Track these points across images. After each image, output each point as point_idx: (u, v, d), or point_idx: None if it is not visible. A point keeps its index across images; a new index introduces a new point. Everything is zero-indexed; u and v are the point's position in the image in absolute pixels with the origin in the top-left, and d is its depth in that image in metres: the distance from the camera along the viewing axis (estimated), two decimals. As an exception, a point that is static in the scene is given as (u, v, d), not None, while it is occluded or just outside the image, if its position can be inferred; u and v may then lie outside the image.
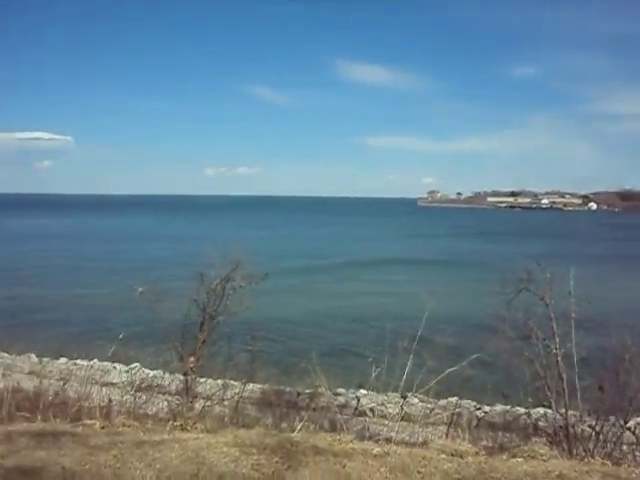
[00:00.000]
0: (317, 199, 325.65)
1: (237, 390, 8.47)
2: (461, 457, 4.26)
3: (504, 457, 4.40)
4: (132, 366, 13.45)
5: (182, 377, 6.63)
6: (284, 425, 7.10)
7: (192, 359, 6.13)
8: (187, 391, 6.25)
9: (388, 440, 5.54)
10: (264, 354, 8.51)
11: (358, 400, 12.11)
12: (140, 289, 6.25)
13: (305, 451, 3.91)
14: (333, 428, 6.78)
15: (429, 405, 10.62)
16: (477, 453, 4.52)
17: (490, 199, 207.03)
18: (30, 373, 12.82)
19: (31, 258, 39.84)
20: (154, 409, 7.69)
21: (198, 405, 6.73)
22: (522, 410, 10.08)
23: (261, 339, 8.39)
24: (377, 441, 5.13)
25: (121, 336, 7.53)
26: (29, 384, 9.63)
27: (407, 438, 6.60)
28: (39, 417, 5.65)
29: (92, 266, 36.80)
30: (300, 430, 5.52)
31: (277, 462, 3.74)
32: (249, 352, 7.84)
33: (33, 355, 14.65)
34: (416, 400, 10.75)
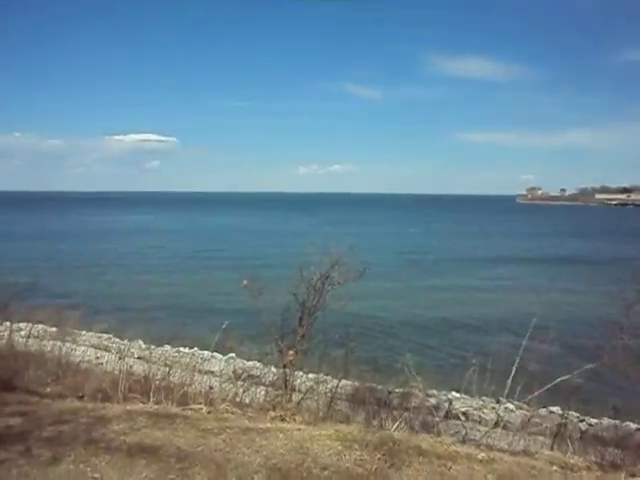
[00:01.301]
0: (411, 196, 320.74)
1: (331, 385, 8.58)
2: (572, 470, 4.02)
3: (621, 475, 4.09)
4: (229, 356, 14.08)
5: (280, 370, 6.80)
6: (375, 423, 7.09)
7: (291, 352, 6.28)
8: (286, 383, 6.40)
9: (489, 446, 5.35)
10: (358, 350, 8.52)
11: (450, 403, 11.81)
12: (244, 282, 6.49)
13: (407, 451, 3.86)
14: (426, 429, 6.65)
15: (527, 413, 10.14)
16: (589, 468, 4.24)
17: (598, 196, 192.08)
18: (139, 358, 13.83)
19: (141, 252, 42.99)
20: (249, 398, 7.99)
21: (295, 398, 6.87)
22: (634, 426, 9.33)
23: (356, 335, 8.40)
24: (478, 446, 4.97)
25: (224, 326, 7.86)
26: (139, 368, 10.38)
27: (505, 446, 6.33)
28: (152, 399, 6.07)
29: (199, 259, 38.98)
30: (396, 429, 5.47)
31: (379, 459, 3.73)
32: (344, 348, 7.90)
33: (141, 342, 15.75)
34: (512, 407, 10.31)
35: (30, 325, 11.30)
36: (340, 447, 3.91)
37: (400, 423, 6.27)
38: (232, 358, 14.19)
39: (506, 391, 5.93)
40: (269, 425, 4.55)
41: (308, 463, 3.63)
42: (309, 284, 6.34)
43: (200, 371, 9.62)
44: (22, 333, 10.21)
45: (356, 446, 3.92)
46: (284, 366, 6.49)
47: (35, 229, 64.57)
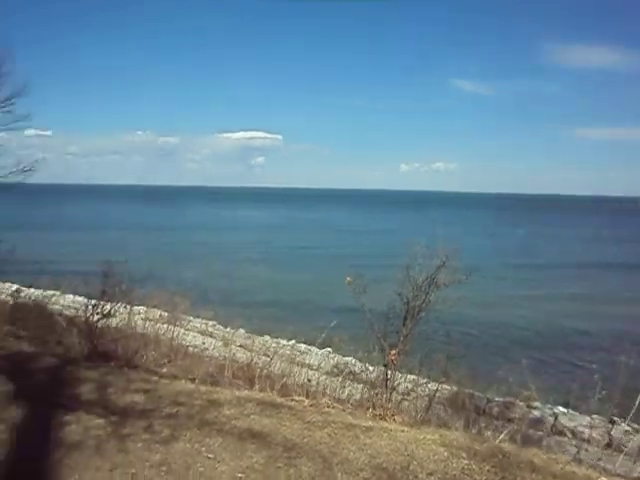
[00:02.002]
0: (524, 196, 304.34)
1: (430, 388, 8.39)
2: None
3: None
4: (326, 350, 14.27)
5: (381, 368, 6.75)
6: (474, 431, 6.83)
7: (393, 352, 6.20)
8: (386, 383, 6.34)
9: (606, 470, 4.94)
10: (459, 355, 8.26)
11: (556, 417, 11.07)
12: (348, 279, 6.52)
13: (519, 465, 3.66)
14: (532, 443, 6.29)
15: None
16: None
17: None
18: (240, 346, 14.47)
19: (246, 245, 45.02)
20: (345, 393, 8.03)
21: (394, 397, 6.80)
22: None
23: (458, 339, 8.16)
24: (594, 468, 4.60)
25: (332, 324, 7.96)
26: (242, 356, 10.84)
27: (621, 471, 5.81)
28: (256, 386, 6.30)
29: (301, 255, 40.12)
30: (501, 441, 5.22)
31: (489, 471, 3.58)
32: (445, 351, 7.70)
33: (243, 330, 16.44)
34: (628, 428, 9.45)
35: (146, 309, 12.19)
36: (446, 453, 3.80)
37: (504, 434, 5.99)
38: (329, 352, 14.35)
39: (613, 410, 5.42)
40: (372, 423, 4.54)
41: (414, 466, 3.57)
42: (414, 284, 6.23)
43: (298, 363, 9.85)
44: (139, 316, 11.05)
45: (463, 454, 3.79)
46: (385, 365, 6.45)
47: (154, 221, 70.09)
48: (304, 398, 5.69)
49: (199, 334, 16.39)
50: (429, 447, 3.89)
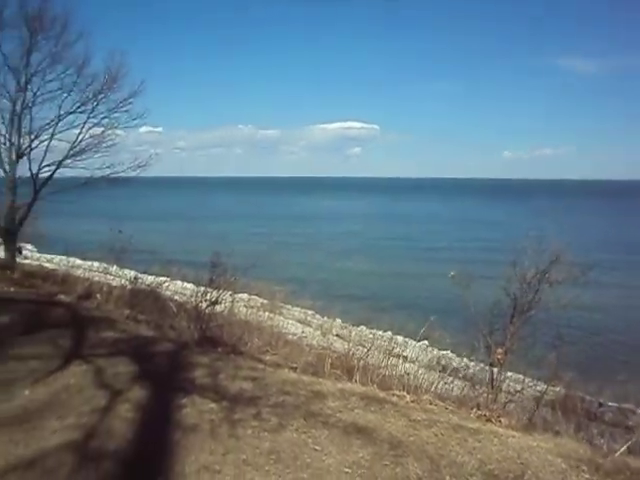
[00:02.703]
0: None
1: (538, 389, 7.96)
2: None
3: None
4: (423, 343, 14.01)
5: (486, 367, 6.50)
6: (585, 438, 6.36)
7: (500, 351, 5.94)
8: (492, 382, 6.09)
9: None
10: (569, 356, 7.72)
11: (684, 428, 10.02)
12: (452, 273, 6.32)
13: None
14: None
15: None
16: None
17: None
18: (337, 335, 14.63)
19: (343, 236, 45.47)
20: (444, 389, 7.82)
21: (500, 398, 6.52)
22: None
23: (570, 340, 7.62)
24: None
25: (432, 318, 7.79)
26: (339, 346, 10.93)
27: None
28: (356, 378, 6.30)
29: (397, 246, 39.84)
30: (622, 453, 4.79)
31: (615, 489, 3.29)
32: (554, 352, 7.23)
33: (339, 320, 16.59)
34: None
35: (247, 297, 12.67)
36: (564, 465, 3.55)
37: (625, 446, 5.51)
38: (426, 345, 14.09)
39: None
40: (479, 425, 4.35)
41: (528, 476, 3.37)
42: (523, 280, 5.91)
43: (395, 355, 9.74)
44: (241, 303, 11.50)
45: (584, 467, 3.52)
46: (491, 364, 6.20)
47: (254, 211, 73.02)
48: (405, 393, 5.60)
49: (297, 322, 16.81)
50: (544, 456, 3.66)
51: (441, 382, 7.85)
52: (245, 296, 12.39)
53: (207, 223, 52.64)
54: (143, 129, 19.92)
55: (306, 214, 71.17)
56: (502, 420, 5.20)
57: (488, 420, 5.07)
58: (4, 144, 15.10)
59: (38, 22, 14.95)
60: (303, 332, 15.88)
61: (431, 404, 5.33)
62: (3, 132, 15.08)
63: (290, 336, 12.66)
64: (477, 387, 7.07)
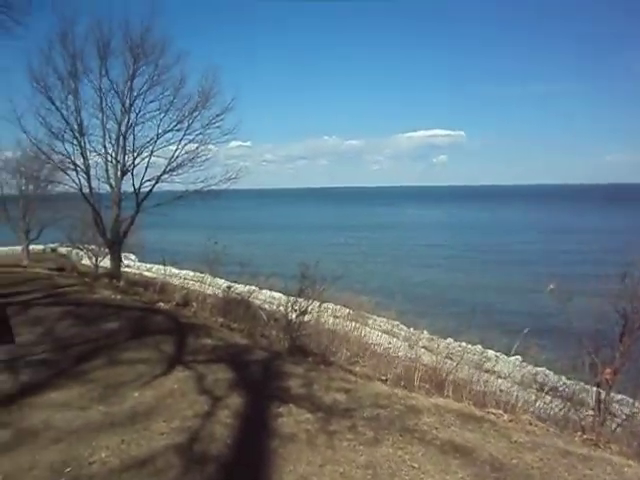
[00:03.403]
0: None
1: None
2: None
3: None
4: (515, 358, 13.35)
5: (592, 387, 6.06)
6: None
7: (609, 370, 5.51)
8: (599, 404, 5.67)
9: None
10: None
11: None
12: (551, 286, 5.97)
13: None
14: None
15: None
16: None
17: None
18: (423, 347, 14.31)
19: (430, 245, 44.72)
20: (542, 408, 7.38)
21: (608, 422, 6.05)
22: None
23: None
24: None
25: (526, 331, 7.41)
26: (426, 358, 10.68)
27: None
28: (448, 394, 6.11)
29: (485, 255, 38.59)
30: None
31: None
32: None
33: (426, 332, 16.22)
34: None
35: (333, 307, 12.72)
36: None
37: None
38: (520, 361, 13.42)
39: None
40: (589, 451, 4.06)
41: (650, 511, 3.09)
42: (634, 295, 5.45)
43: (486, 370, 9.36)
44: (327, 313, 11.57)
45: None
46: (597, 384, 5.76)
47: (339, 221, 73.73)
48: (502, 412, 5.36)
49: (383, 333, 16.65)
50: (668, 490, 3.34)
51: (539, 401, 7.45)
52: (331, 306, 12.47)
53: (293, 234, 53.93)
54: (233, 144, 20.76)
55: (392, 224, 70.83)
56: (612, 447, 4.82)
57: (596, 445, 4.72)
58: (111, 162, 16.38)
59: (140, 49, 16.12)
60: (389, 343, 15.68)
61: (531, 424, 5.06)
62: (110, 151, 16.38)
63: (376, 347, 12.56)
64: (580, 409, 6.61)
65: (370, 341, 12.24)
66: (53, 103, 15.58)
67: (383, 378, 6.95)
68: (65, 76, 15.61)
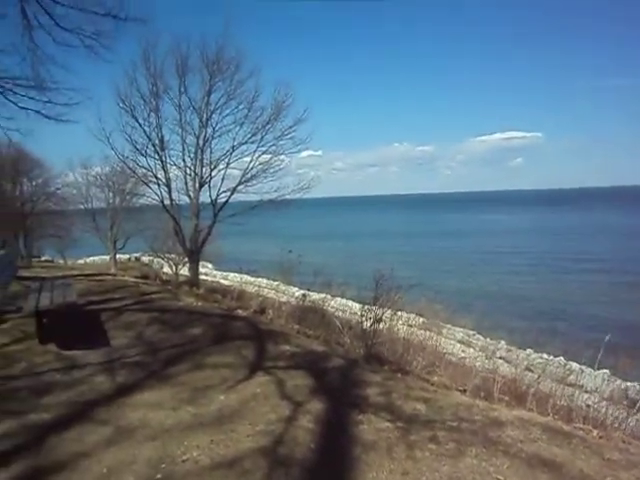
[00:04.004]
0: None
1: None
2: None
3: None
4: (603, 372, 12.61)
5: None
6: None
7: None
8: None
9: None
10: None
11: None
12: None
13: None
14: None
15: None
16: None
17: None
18: (501, 358, 13.85)
19: (508, 252, 43.25)
20: (635, 427, 6.94)
21: None
22: None
23: None
24: None
25: (607, 338, 7.04)
26: (505, 369, 10.33)
27: None
28: (530, 407, 5.90)
29: (568, 262, 36.81)
30: None
31: None
32: None
33: (504, 342, 15.69)
34: None
35: (407, 315, 12.60)
36: None
37: None
38: (608, 375, 12.67)
39: None
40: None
41: None
42: None
43: (569, 384, 8.93)
44: (401, 321, 11.48)
45: None
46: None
47: (412, 228, 72.99)
48: (591, 428, 5.11)
49: (458, 343, 16.29)
50: None
51: (630, 418, 7.02)
52: (405, 314, 12.37)
53: (365, 241, 53.94)
54: (304, 153, 21.19)
55: (466, 230, 69.13)
56: None
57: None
58: (189, 175, 17.22)
59: (216, 66, 16.88)
60: (464, 353, 15.33)
61: (624, 442, 4.79)
62: (189, 164, 17.23)
63: (451, 357, 12.32)
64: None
65: (445, 350, 12.03)
66: (137, 121, 16.63)
67: (461, 388, 6.83)
68: (147, 95, 16.64)
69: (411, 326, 11.54)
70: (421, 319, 12.99)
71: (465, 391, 6.48)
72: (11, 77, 14.04)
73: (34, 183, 34.17)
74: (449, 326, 16.36)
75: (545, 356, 13.84)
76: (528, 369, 10.80)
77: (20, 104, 14.19)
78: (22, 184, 33.53)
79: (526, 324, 16.89)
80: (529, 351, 15.05)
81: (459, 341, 16.61)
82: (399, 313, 10.85)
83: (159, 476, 3.40)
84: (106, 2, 12.77)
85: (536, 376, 8.46)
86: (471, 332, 16.68)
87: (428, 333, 11.29)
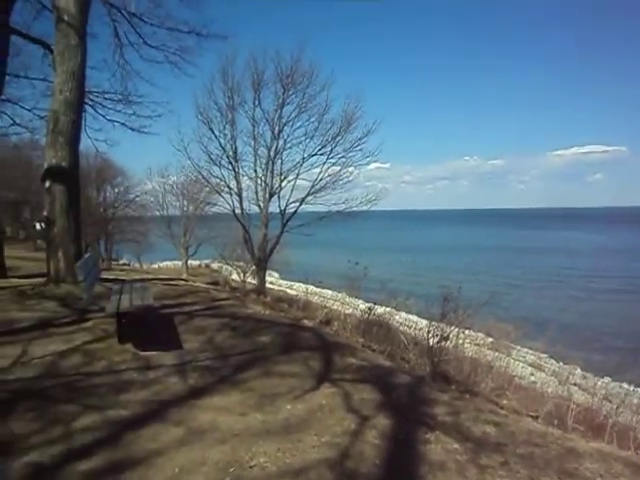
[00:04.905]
0: None
1: None
2: None
3: None
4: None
5: None
6: None
7: None
8: None
9: None
10: None
11: None
12: None
13: None
14: None
15: None
16: None
17: None
18: (575, 385, 13.10)
19: (587, 272, 41.05)
20: None
21: None
22: None
23: None
24: None
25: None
26: (579, 397, 9.77)
27: None
28: (610, 439, 5.55)
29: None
30: None
31: None
32: None
33: (579, 368, 14.84)
34: None
35: (475, 333, 12.22)
36: None
37: None
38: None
39: None
40: None
41: None
42: None
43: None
44: (468, 340, 11.14)
45: None
46: None
47: (482, 243, 70.89)
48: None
49: (528, 366, 15.61)
50: None
51: None
52: (472, 333, 12.02)
53: (432, 255, 52.99)
54: (372, 165, 21.22)
55: (542, 247, 66.34)
56: None
57: None
58: (260, 185, 17.71)
59: (290, 79, 17.33)
60: (534, 377, 14.67)
61: None
62: (260, 175, 17.72)
63: (520, 380, 11.82)
64: None
65: (514, 373, 11.57)
66: (213, 133, 17.38)
67: (533, 414, 6.55)
68: (224, 108, 17.36)
69: (478, 345, 11.20)
70: (489, 339, 12.57)
71: (537, 417, 6.21)
72: (101, 91, 15.16)
73: (116, 190, 36.39)
74: (519, 347, 15.72)
75: (625, 385, 12.96)
76: (606, 398, 10.18)
77: (108, 117, 15.29)
78: (105, 191, 35.77)
79: (605, 350, 15.93)
80: (607, 379, 14.16)
81: (529, 364, 15.92)
82: (466, 331, 10.57)
83: (227, 479, 3.49)
84: (190, 20, 13.55)
85: (615, 407, 7.96)
86: (543, 355, 15.93)
87: (496, 354, 10.92)
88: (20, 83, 14.88)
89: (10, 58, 12.51)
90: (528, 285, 32.48)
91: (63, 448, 3.86)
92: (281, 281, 32.40)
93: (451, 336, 8.86)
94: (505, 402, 6.76)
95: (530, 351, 16.18)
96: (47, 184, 10.00)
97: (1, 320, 7.55)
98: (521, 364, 14.90)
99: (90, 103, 14.44)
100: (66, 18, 9.99)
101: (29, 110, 15.66)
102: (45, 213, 10.11)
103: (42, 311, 8.18)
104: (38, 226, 27.94)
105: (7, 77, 12.85)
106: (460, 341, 9.74)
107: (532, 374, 15.12)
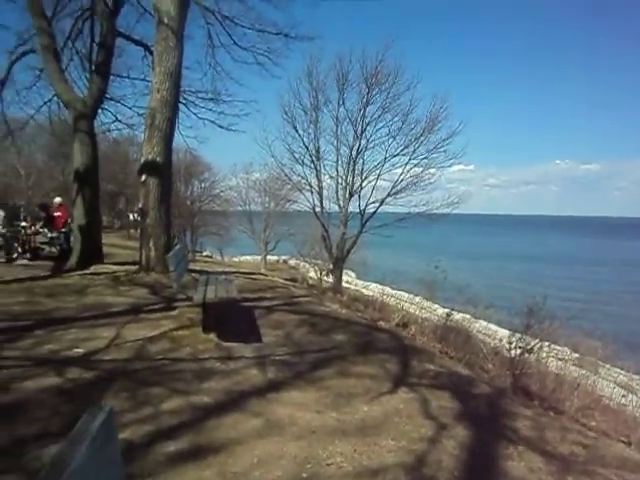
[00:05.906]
0: None
1: None
2: None
3: None
4: None
5: None
6: None
7: None
8: None
9: None
10: None
11: None
12: None
13: None
14: None
15: None
16: None
17: None
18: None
19: None
20: None
21: None
22: None
23: None
24: None
25: None
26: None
27: None
28: None
29: None
30: None
31: None
32: None
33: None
34: None
35: (561, 348, 11.60)
36: None
37: None
38: None
39: None
40: None
41: None
42: None
43: None
44: (553, 354, 10.58)
45: None
46: None
47: (578, 253, 67.03)
48: None
49: (617, 386, 14.57)
50: None
51: None
52: (558, 347, 11.42)
53: (516, 264, 50.73)
54: (454, 167, 20.70)
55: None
56: None
57: None
58: (341, 184, 17.82)
59: (374, 79, 17.29)
60: (625, 399, 13.69)
61: None
62: (341, 174, 17.83)
63: (608, 400, 11.09)
64: None
65: (602, 393, 10.89)
66: (297, 131, 17.73)
67: (624, 440, 6.13)
68: (308, 107, 17.66)
69: (562, 360, 10.64)
70: (575, 354, 11.89)
71: (630, 444, 5.80)
72: (194, 91, 15.95)
73: (203, 185, 38.03)
74: (608, 366, 14.73)
75: None
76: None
77: (199, 115, 16.06)
78: (193, 185, 37.50)
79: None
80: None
81: (619, 384, 14.85)
82: (551, 345, 10.06)
83: (305, 475, 3.54)
84: (278, 22, 13.92)
85: None
86: (635, 376, 14.82)
87: (582, 371, 10.34)
88: (122, 82, 16.03)
89: (114, 59, 13.49)
90: (623, 300, 30.17)
91: (151, 429, 4.09)
92: (357, 281, 32.37)
93: (535, 349, 8.48)
94: (594, 424, 6.36)
95: (621, 371, 15.10)
96: (143, 177, 10.65)
97: (99, 304, 8.15)
98: (610, 384, 13.95)
99: (184, 102, 15.21)
100: (166, 20, 10.57)
101: (129, 107, 16.82)
102: (140, 205, 10.76)
103: (134, 297, 8.73)
104: (132, 217, 29.82)
105: (111, 77, 13.87)
106: (544, 355, 9.30)
107: (623, 396, 14.14)
